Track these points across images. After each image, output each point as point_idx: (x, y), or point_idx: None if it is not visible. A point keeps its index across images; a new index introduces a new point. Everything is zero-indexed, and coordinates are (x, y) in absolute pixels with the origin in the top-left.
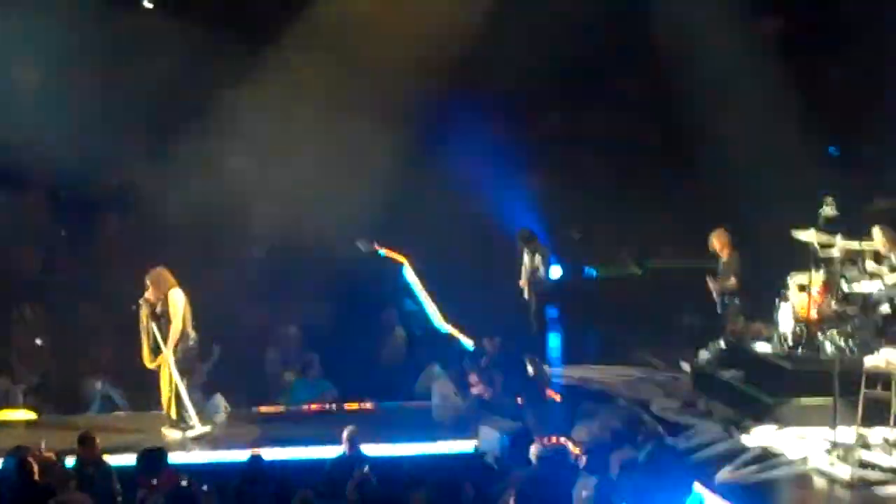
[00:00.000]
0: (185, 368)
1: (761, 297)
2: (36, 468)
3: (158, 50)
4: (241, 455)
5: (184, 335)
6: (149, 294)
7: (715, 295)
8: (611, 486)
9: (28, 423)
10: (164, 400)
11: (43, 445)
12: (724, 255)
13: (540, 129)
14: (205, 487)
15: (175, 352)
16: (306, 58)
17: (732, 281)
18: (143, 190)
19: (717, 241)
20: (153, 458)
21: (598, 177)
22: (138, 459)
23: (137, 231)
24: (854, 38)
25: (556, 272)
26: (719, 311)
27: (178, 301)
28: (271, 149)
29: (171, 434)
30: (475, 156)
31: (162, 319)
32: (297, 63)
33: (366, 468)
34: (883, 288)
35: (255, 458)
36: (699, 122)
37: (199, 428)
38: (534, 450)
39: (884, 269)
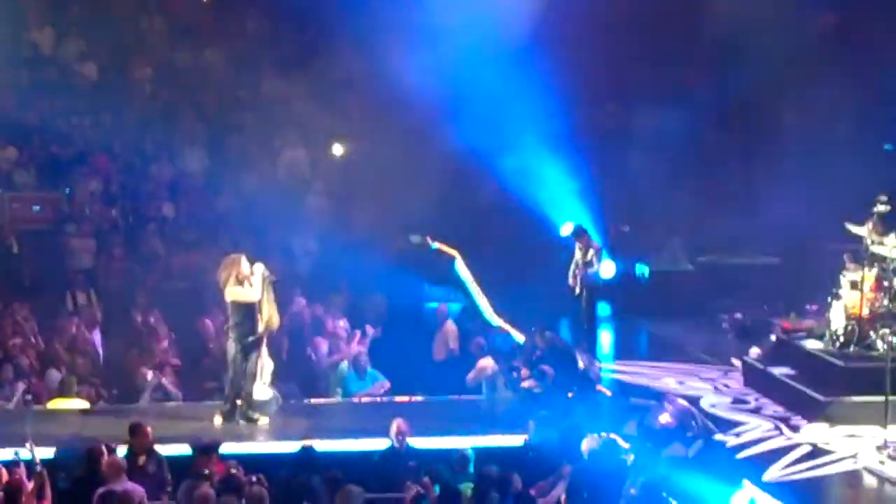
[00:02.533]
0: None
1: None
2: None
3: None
4: (292, 446)
5: (271, 322)
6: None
7: None
8: (660, 481)
9: (81, 412)
10: (233, 387)
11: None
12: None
13: (595, 123)
14: (255, 478)
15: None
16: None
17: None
18: (197, 180)
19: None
20: (208, 448)
21: (650, 171)
22: (193, 449)
23: (190, 221)
24: None
25: (608, 269)
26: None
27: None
28: (324, 144)
29: (228, 423)
30: (530, 149)
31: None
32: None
33: (425, 479)
34: None
35: (307, 449)
36: (755, 118)
37: (258, 418)
38: (585, 445)
39: None
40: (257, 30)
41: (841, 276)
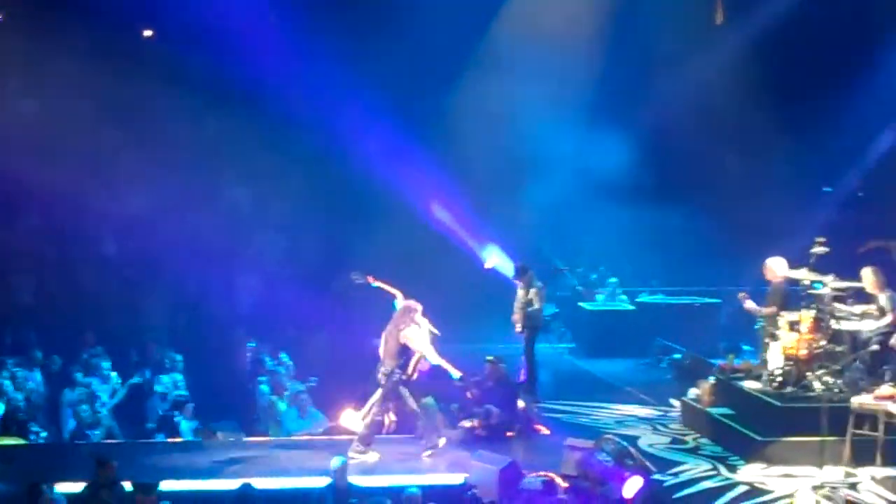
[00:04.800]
0: None
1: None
2: None
3: None
4: (231, 484)
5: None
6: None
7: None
8: None
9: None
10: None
11: None
12: (774, 281)
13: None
14: None
15: None
16: None
17: (772, 309)
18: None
19: (770, 270)
20: (147, 486)
21: (590, 213)
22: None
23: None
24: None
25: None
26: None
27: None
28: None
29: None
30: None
31: None
32: None
33: None
34: (872, 328)
35: (246, 487)
36: (679, 161)
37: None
38: (523, 483)
39: (872, 309)
40: (200, 68)
41: (778, 317)
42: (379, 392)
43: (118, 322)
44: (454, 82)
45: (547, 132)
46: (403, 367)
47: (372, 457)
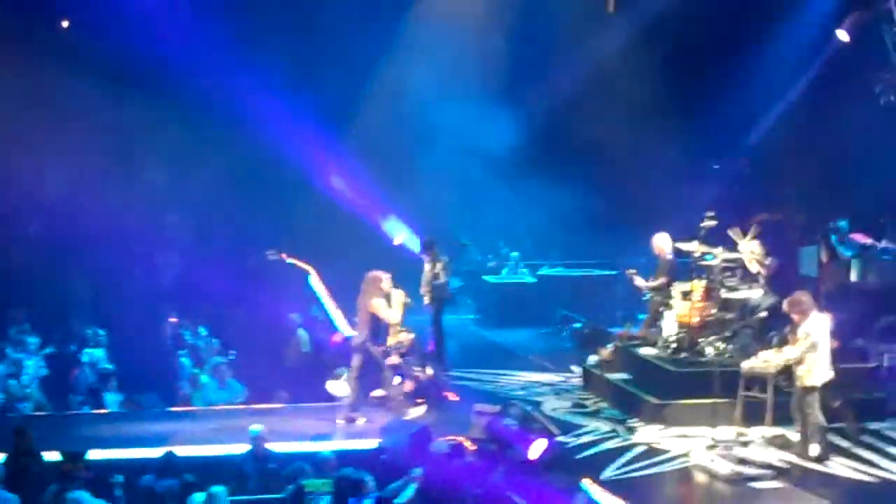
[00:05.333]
0: None
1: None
2: None
3: None
4: (155, 452)
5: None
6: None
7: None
8: (504, 482)
9: None
10: None
11: None
12: (662, 255)
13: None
14: (119, 479)
15: None
16: None
17: (661, 281)
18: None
19: (661, 244)
20: (75, 455)
21: (494, 190)
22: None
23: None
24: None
25: (454, 281)
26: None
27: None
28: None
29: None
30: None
31: None
32: None
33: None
34: (760, 296)
35: (169, 455)
36: (576, 139)
37: None
38: (433, 448)
39: (759, 278)
40: (115, 54)
41: (671, 288)
42: (357, 359)
43: (44, 299)
44: (360, 63)
45: (445, 110)
46: (375, 335)
47: (360, 421)
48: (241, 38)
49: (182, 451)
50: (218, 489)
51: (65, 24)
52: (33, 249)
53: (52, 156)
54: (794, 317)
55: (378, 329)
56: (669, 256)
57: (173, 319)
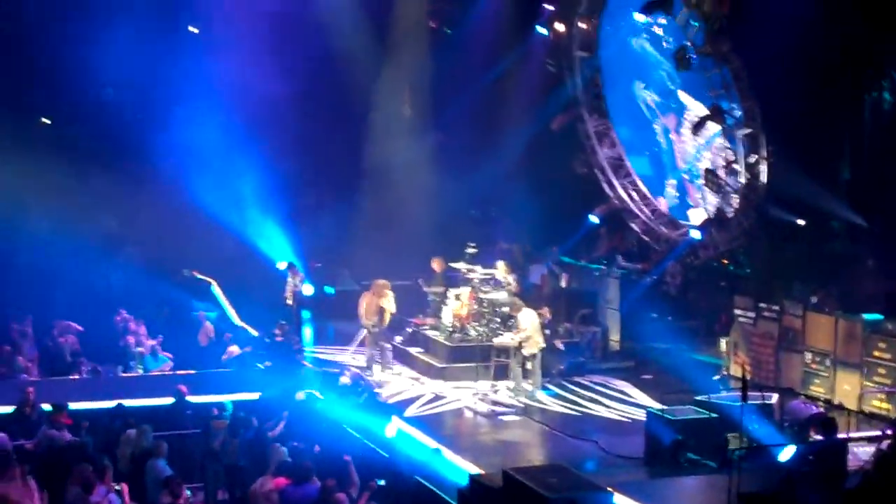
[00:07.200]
0: None
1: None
2: None
3: None
4: (110, 404)
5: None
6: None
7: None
8: (342, 419)
9: None
10: None
11: None
12: (438, 271)
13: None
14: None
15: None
16: None
17: (440, 288)
18: None
19: (438, 264)
20: (59, 406)
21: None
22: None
23: None
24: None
25: (308, 289)
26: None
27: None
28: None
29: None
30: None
31: None
32: None
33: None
34: (504, 297)
35: (119, 405)
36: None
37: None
38: (297, 397)
39: (509, 283)
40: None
41: (448, 292)
42: (365, 333)
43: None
44: None
45: None
46: (380, 320)
47: (397, 370)
48: None
49: (128, 402)
50: (146, 426)
51: None
52: None
53: None
54: (514, 313)
55: (381, 316)
56: (443, 271)
57: (123, 314)
